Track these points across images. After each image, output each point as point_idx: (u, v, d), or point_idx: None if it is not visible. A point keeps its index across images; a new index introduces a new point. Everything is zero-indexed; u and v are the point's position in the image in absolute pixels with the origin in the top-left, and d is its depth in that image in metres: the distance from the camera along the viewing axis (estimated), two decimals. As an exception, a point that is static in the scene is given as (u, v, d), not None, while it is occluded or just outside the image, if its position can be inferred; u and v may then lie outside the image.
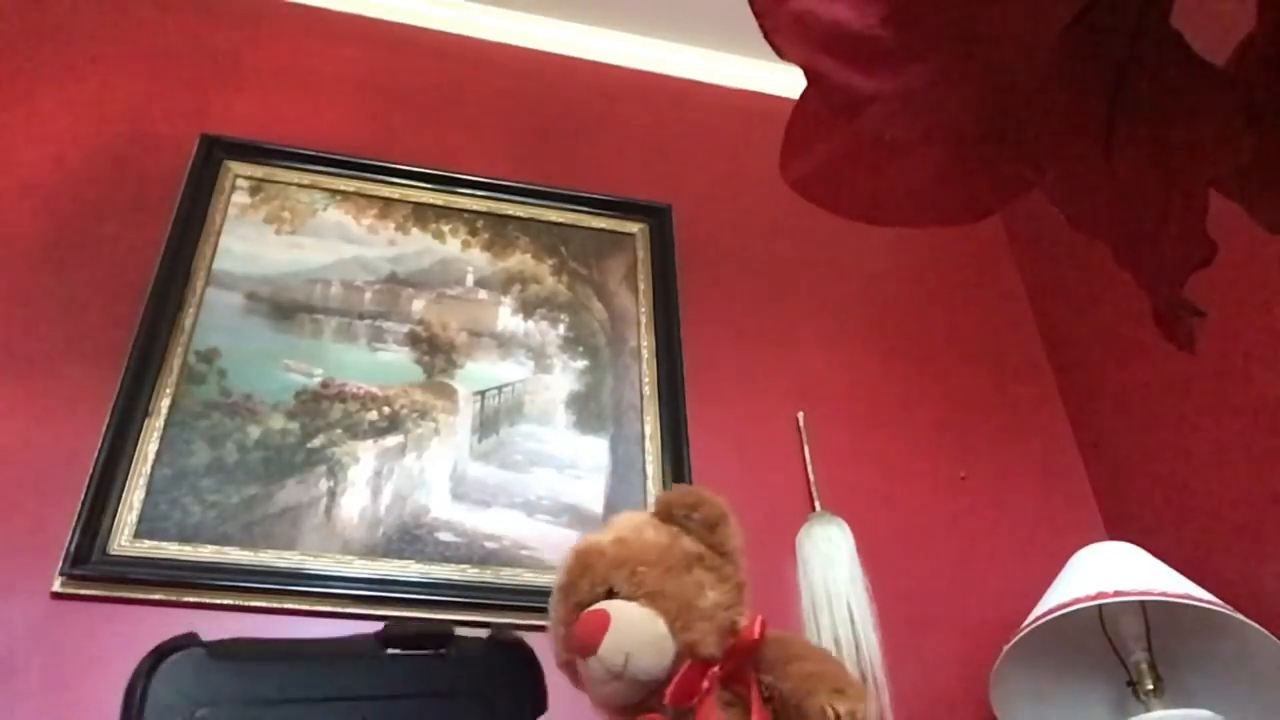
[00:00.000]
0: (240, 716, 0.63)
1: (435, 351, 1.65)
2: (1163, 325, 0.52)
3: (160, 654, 0.66)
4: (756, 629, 0.94)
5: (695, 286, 1.85)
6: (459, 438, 1.57)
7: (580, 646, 0.93)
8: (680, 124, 2.13)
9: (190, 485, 1.40)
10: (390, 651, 0.70)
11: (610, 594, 0.96)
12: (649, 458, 1.62)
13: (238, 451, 1.45)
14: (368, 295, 1.68)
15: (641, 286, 1.82)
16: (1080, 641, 1.49)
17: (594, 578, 0.98)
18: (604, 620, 0.93)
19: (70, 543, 1.30)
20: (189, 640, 0.67)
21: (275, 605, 1.34)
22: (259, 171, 1.75)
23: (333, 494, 1.45)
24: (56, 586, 1.29)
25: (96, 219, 1.62)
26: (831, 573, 1.48)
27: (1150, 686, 1.41)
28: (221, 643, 0.70)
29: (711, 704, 0.89)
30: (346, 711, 0.65)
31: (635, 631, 0.93)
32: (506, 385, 1.65)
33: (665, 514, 1.04)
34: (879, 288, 2.00)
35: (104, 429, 1.40)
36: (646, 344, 1.75)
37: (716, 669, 0.92)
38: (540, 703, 0.89)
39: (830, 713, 0.85)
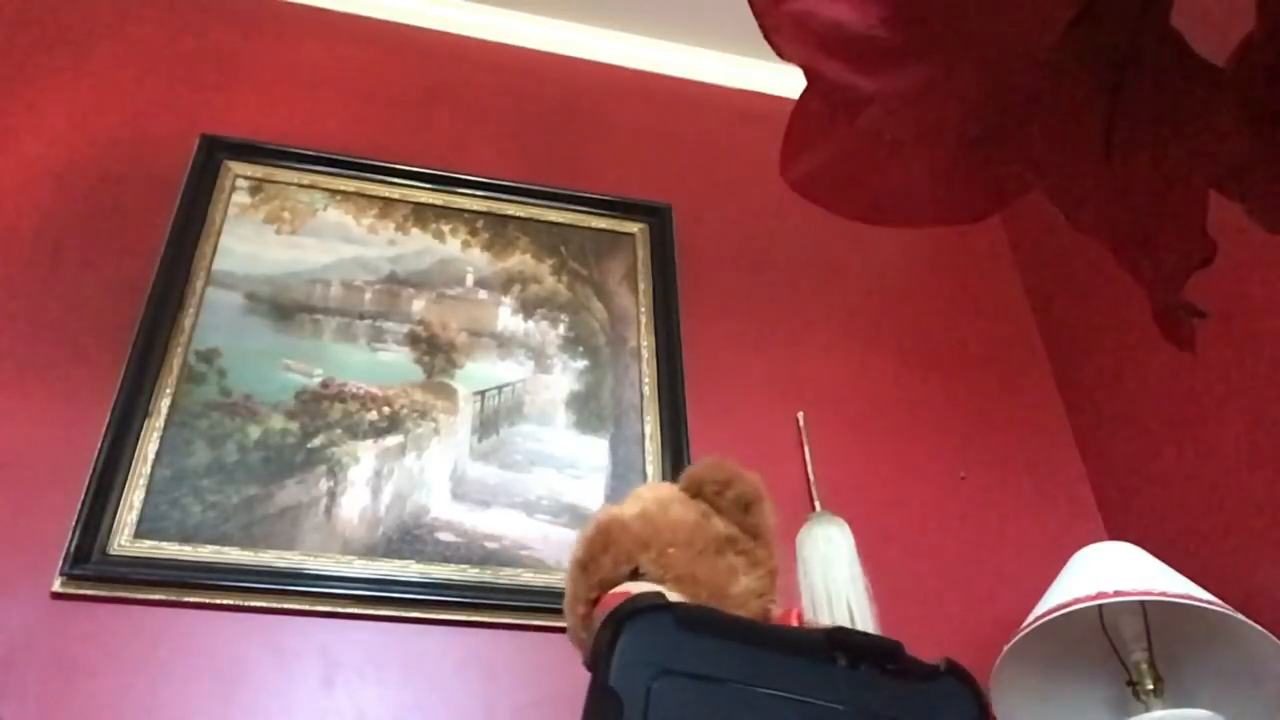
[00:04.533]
0: (699, 689, 0.63)
1: (435, 351, 1.65)
2: (1163, 325, 0.52)
3: (636, 609, 0.66)
4: (793, 621, 0.89)
5: (695, 286, 1.84)
6: (459, 438, 1.57)
7: None
8: (680, 124, 2.13)
9: (190, 485, 1.40)
10: (839, 658, 0.68)
11: (635, 574, 0.91)
12: (649, 458, 1.62)
13: (238, 451, 1.45)
14: (368, 295, 1.68)
15: (641, 286, 1.82)
16: (1080, 641, 1.49)
17: (617, 555, 0.92)
18: None
19: (70, 543, 1.30)
20: (659, 601, 0.67)
21: (275, 605, 1.34)
22: (259, 171, 1.75)
23: (333, 494, 1.45)
24: (56, 586, 1.29)
25: (96, 219, 1.62)
26: (831, 573, 1.47)
27: (1150, 686, 1.41)
28: (689, 611, 0.70)
29: None
30: (796, 710, 0.64)
31: None
32: (506, 385, 1.65)
33: (694, 490, 0.98)
34: (879, 288, 2.00)
35: (104, 429, 1.39)
36: (646, 344, 1.75)
37: None
38: None
39: None
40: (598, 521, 0.98)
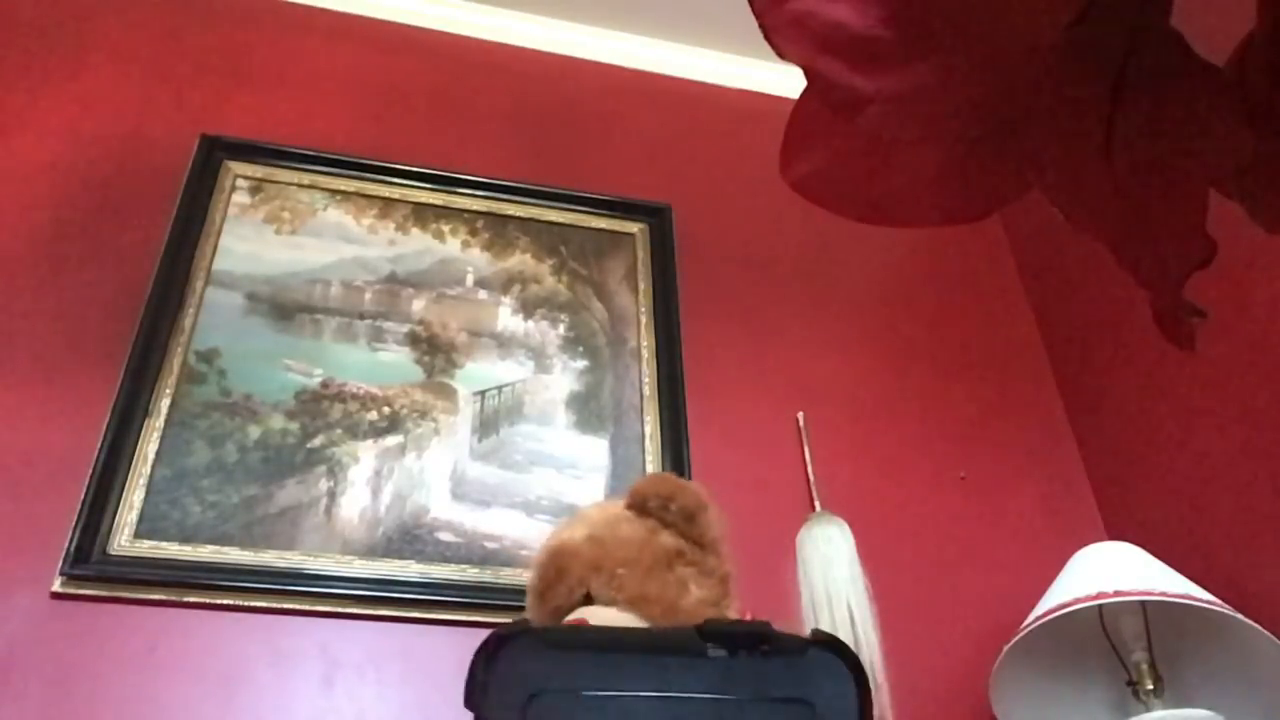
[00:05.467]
0: (575, 703, 0.64)
1: (435, 351, 1.65)
2: (1163, 325, 0.52)
3: (503, 637, 0.67)
4: None
5: (695, 286, 1.84)
6: (459, 438, 1.57)
7: None
8: (680, 124, 2.13)
9: (190, 485, 1.40)
10: (710, 650, 0.69)
11: (588, 598, 0.92)
12: (649, 458, 1.62)
13: (238, 451, 1.45)
14: (368, 295, 1.68)
15: (641, 286, 1.82)
16: (1080, 641, 1.49)
17: (570, 581, 0.93)
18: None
19: (70, 543, 1.30)
20: (525, 626, 0.68)
21: (275, 605, 1.34)
22: (259, 171, 1.75)
23: (333, 494, 1.45)
24: (56, 586, 1.29)
25: (96, 219, 1.62)
26: (831, 573, 1.47)
27: (1150, 686, 1.41)
28: (552, 630, 0.71)
29: None
30: (673, 708, 0.64)
31: None
32: (506, 385, 1.65)
33: (640, 506, 0.98)
34: (879, 288, 2.00)
35: (104, 429, 1.40)
36: (646, 344, 1.75)
37: None
38: (866, 708, 0.82)
39: None
40: (549, 548, 0.99)
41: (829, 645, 0.76)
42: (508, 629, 0.71)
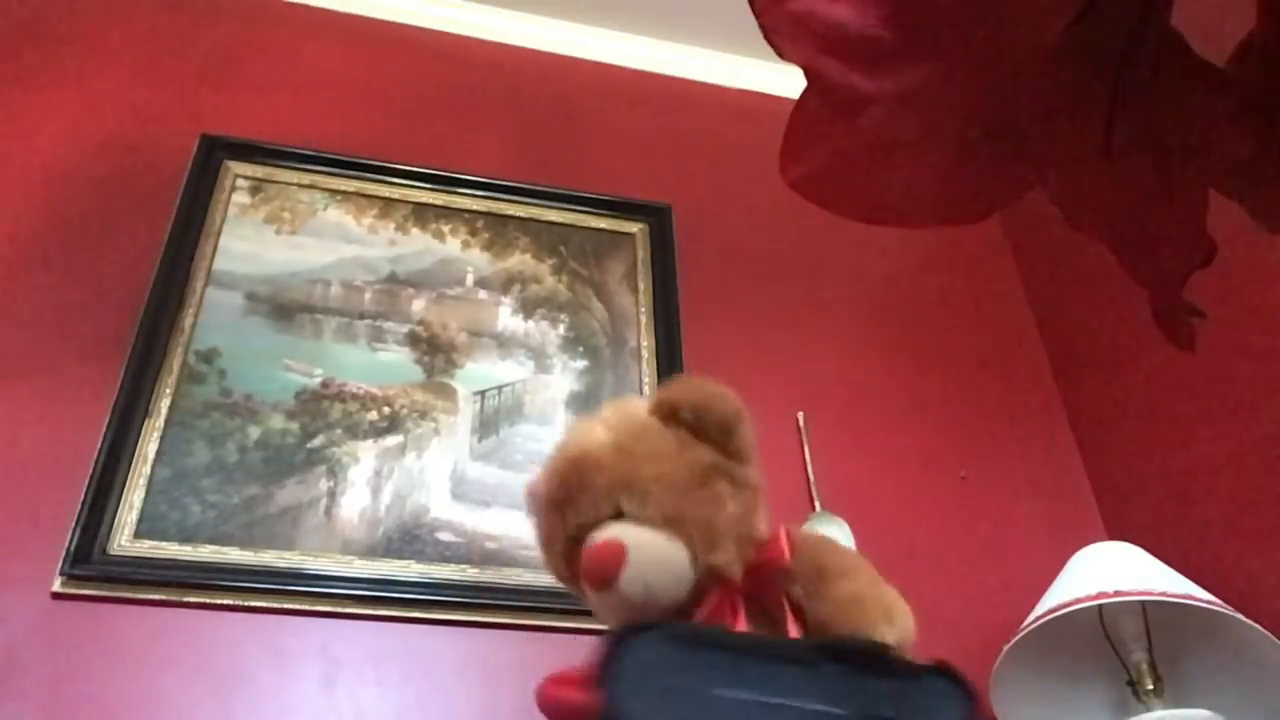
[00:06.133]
0: (707, 701, 0.64)
1: (435, 351, 1.65)
2: (1162, 325, 0.52)
3: (636, 628, 0.66)
4: (785, 548, 0.83)
5: (695, 286, 1.84)
6: (459, 438, 1.57)
7: (594, 580, 0.82)
8: (680, 124, 2.13)
9: (190, 485, 1.40)
10: (824, 664, 0.68)
11: (618, 514, 0.84)
12: (649, 458, 1.61)
13: (238, 451, 1.45)
14: (368, 295, 1.68)
15: (641, 286, 1.82)
16: (1080, 641, 1.49)
17: (596, 495, 0.85)
18: (620, 553, 0.81)
19: (70, 543, 1.30)
20: (655, 622, 0.67)
21: (275, 605, 1.34)
22: (259, 171, 1.75)
23: (333, 494, 1.45)
24: (56, 586, 1.29)
25: (96, 219, 1.62)
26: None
27: (1150, 686, 1.41)
28: (677, 627, 0.69)
29: (742, 628, 0.80)
30: (792, 716, 0.64)
31: (656, 562, 0.82)
32: (506, 385, 1.65)
33: (668, 415, 0.90)
34: (879, 288, 2.00)
35: (104, 429, 1.39)
36: (646, 344, 1.75)
37: (740, 590, 0.83)
38: None
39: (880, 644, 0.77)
40: (569, 456, 0.90)
41: (951, 675, 0.74)
42: (633, 625, 0.70)
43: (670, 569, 0.82)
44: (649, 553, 0.82)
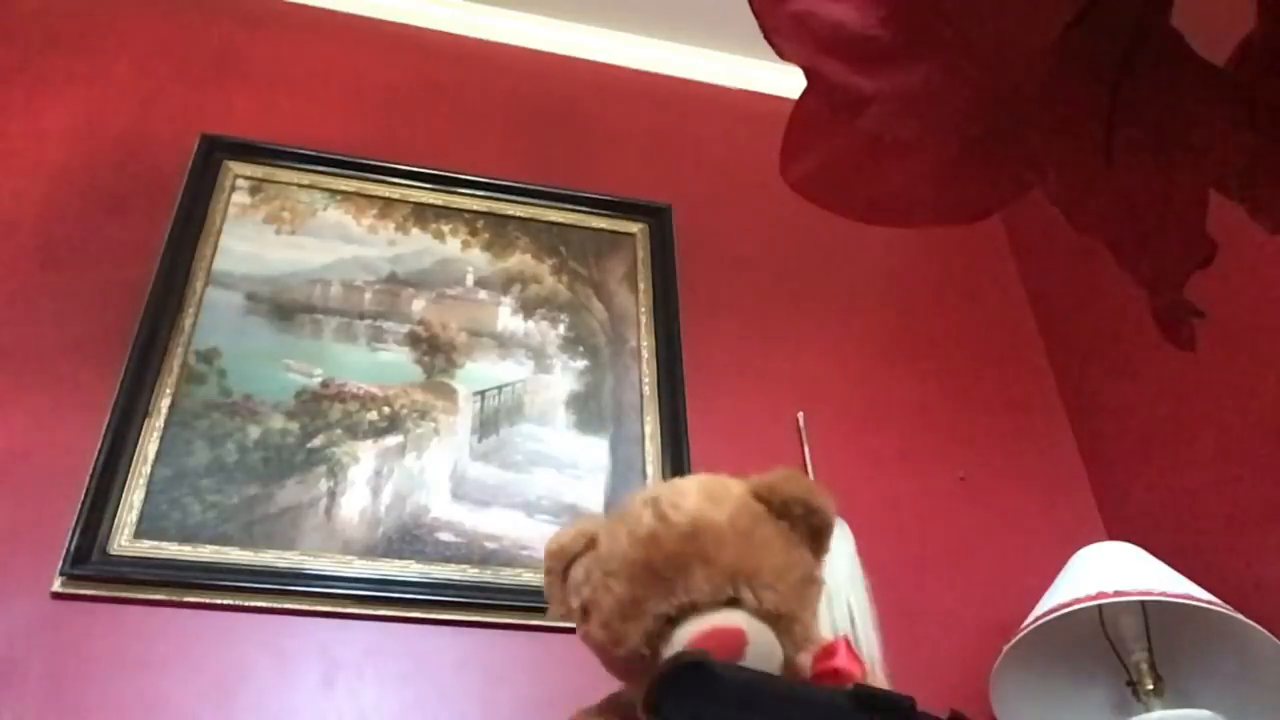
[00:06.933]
0: None
1: (435, 351, 1.65)
2: (1162, 325, 0.52)
3: (677, 669, 0.62)
4: (841, 650, 0.82)
5: (695, 286, 1.84)
6: (459, 438, 1.57)
7: None
8: (680, 124, 2.13)
9: (190, 485, 1.40)
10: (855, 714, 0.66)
11: (732, 601, 0.80)
12: (649, 458, 1.62)
13: (238, 451, 1.45)
14: (368, 295, 1.68)
15: (641, 286, 1.82)
16: (1080, 641, 1.49)
17: (716, 574, 0.80)
18: (742, 646, 0.77)
19: (70, 543, 1.30)
20: (696, 659, 0.63)
21: (275, 605, 1.34)
22: (259, 171, 1.75)
23: (333, 494, 1.45)
24: (56, 586, 1.29)
25: (96, 219, 1.62)
26: (831, 573, 1.47)
27: (1150, 686, 1.41)
28: (724, 669, 0.65)
29: None
30: None
31: (765, 659, 0.79)
32: (506, 385, 1.65)
33: (778, 506, 0.86)
34: (879, 288, 2.00)
35: (104, 429, 1.39)
36: (646, 344, 1.75)
37: None
38: None
39: None
40: (692, 517, 0.83)
41: None
42: (678, 657, 0.66)
43: (773, 666, 0.80)
44: (762, 649, 0.79)
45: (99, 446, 1.38)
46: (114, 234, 1.61)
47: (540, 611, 1.41)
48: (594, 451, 1.61)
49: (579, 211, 1.89)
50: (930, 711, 0.71)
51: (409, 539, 1.44)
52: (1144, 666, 1.42)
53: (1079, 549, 1.50)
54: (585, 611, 0.89)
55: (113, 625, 1.28)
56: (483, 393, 1.63)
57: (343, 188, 1.78)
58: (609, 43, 2.19)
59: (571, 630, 1.40)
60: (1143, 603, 1.42)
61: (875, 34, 0.47)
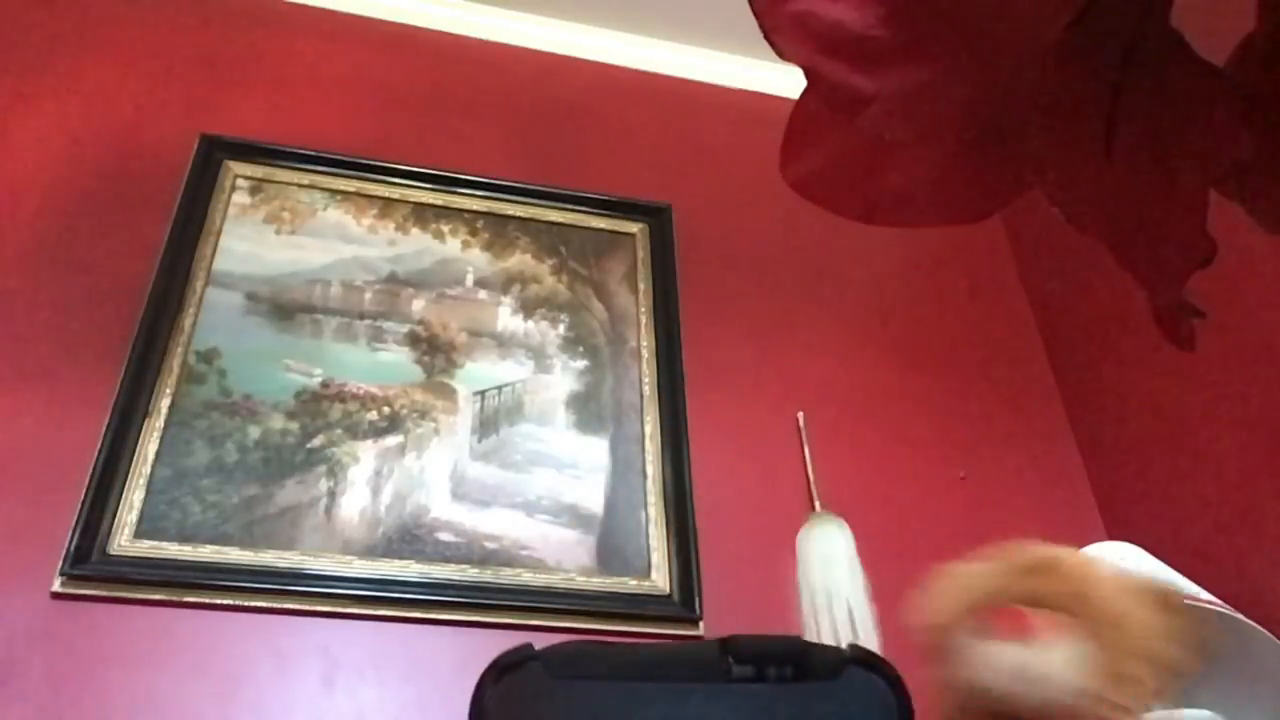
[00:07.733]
0: None
1: (435, 351, 1.65)
2: (1162, 325, 0.52)
3: (499, 669, 0.60)
4: None
5: (695, 286, 1.84)
6: (459, 438, 1.57)
7: None
8: (680, 124, 2.13)
9: (190, 485, 1.40)
10: (738, 671, 0.62)
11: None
12: (649, 458, 1.61)
13: (238, 451, 1.45)
14: (368, 295, 1.68)
15: (641, 286, 1.82)
16: (1080, 641, 1.49)
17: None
18: None
19: (70, 543, 1.30)
20: (526, 654, 0.60)
21: (275, 605, 1.34)
22: (259, 171, 1.75)
23: (333, 494, 1.45)
24: (56, 586, 1.29)
25: (96, 219, 1.62)
26: (831, 573, 1.48)
27: (1150, 686, 1.41)
28: (561, 657, 0.62)
29: None
30: None
31: None
32: (506, 385, 1.65)
33: (1166, 602, 0.82)
34: (879, 288, 2.00)
35: (104, 429, 1.39)
36: (646, 344, 1.75)
37: None
38: None
39: None
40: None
41: (866, 663, 0.69)
42: (506, 657, 0.64)
43: None
44: None
45: (99, 446, 1.38)
46: (114, 234, 1.61)
47: (540, 612, 1.42)
48: (594, 451, 1.61)
49: (579, 211, 1.89)
50: (823, 652, 0.68)
51: (409, 539, 1.44)
52: (1144, 666, 1.42)
53: (1079, 549, 1.50)
54: None
55: (112, 625, 1.29)
56: (483, 393, 1.63)
57: (343, 188, 1.78)
58: (609, 43, 2.19)
59: (571, 630, 1.41)
60: (1143, 603, 1.42)
61: (875, 34, 0.47)
